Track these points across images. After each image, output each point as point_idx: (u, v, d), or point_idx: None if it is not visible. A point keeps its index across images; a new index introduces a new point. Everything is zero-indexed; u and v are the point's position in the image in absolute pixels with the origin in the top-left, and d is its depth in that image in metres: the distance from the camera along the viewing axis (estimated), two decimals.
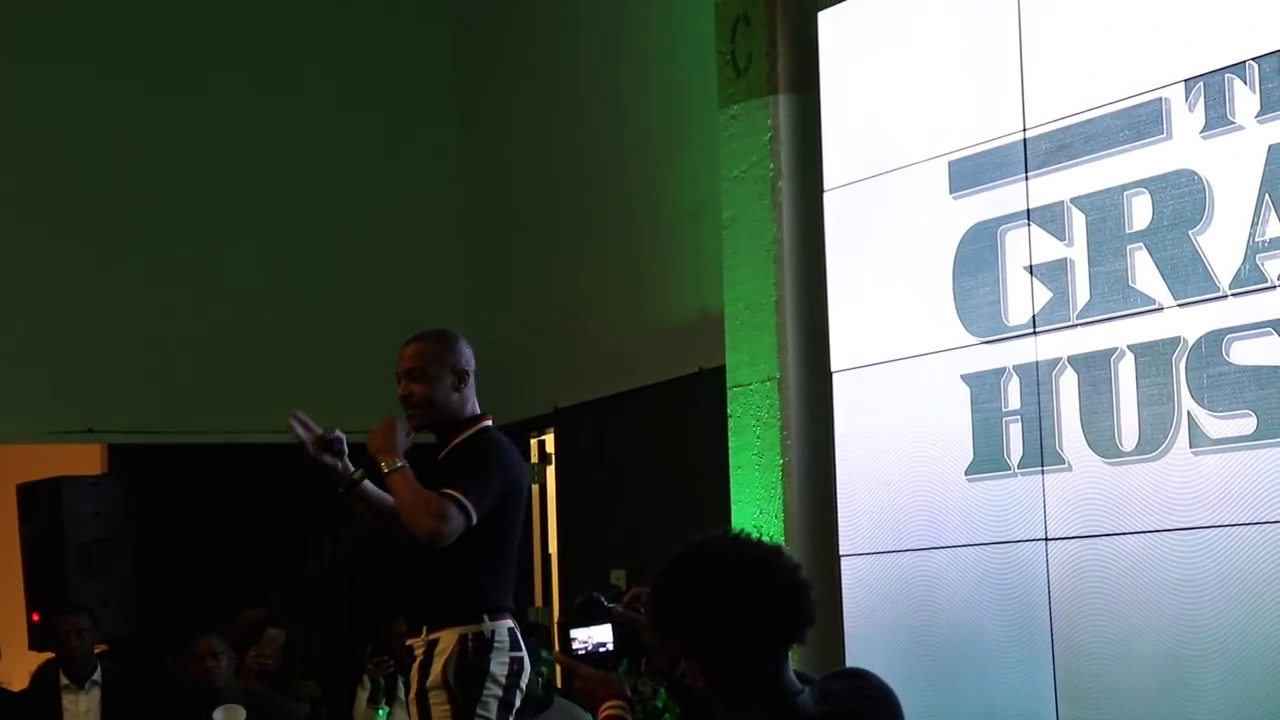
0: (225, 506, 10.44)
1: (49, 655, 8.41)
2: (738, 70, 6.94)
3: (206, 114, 10.55)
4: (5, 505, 9.81)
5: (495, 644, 5.05)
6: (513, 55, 10.62)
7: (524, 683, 5.13)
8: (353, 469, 5.23)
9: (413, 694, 5.12)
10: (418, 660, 5.11)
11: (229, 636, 8.13)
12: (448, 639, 5.05)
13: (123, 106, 10.36)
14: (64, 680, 8.06)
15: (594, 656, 3.44)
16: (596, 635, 3.43)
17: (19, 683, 8.63)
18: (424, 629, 5.11)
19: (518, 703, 5.11)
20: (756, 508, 6.70)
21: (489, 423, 5.27)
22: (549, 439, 9.81)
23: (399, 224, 10.88)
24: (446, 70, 11.06)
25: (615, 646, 3.41)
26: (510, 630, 5.11)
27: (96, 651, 8.31)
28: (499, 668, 5.05)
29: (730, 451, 6.86)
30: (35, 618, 9.31)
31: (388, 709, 7.76)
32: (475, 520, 4.99)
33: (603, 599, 3.51)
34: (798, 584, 3.07)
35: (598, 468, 9.32)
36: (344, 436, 5.25)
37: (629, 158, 9.30)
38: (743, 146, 6.93)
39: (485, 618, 5.06)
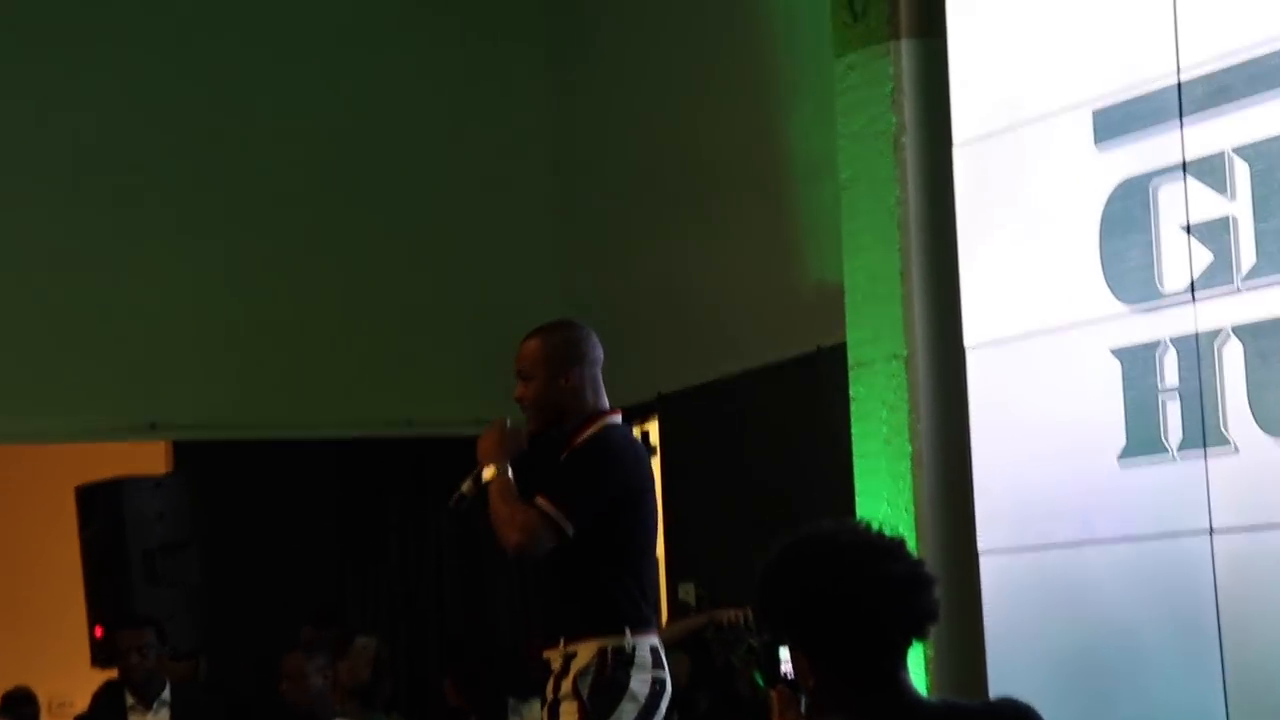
0: (301, 507, 10.48)
1: (113, 673, 8.45)
2: (854, 14, 6.86)
3: (279, 105, 10.59)
4: (63, 509, 9.89)
5: (636, 660, 5.16)
6: (609, 5, 10.57)
7: (664, 704, 5.22)
8: (461, 487, 5.32)
9: (545, 707, 5.24)
10: (554, 673, 5.22)
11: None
12: (586, 652, 5.17)
13: (196, 105, 10.42)
14: (130, 700, 8.09)
15: None
16: None
17: (81, 703, 8.68)
18: (561, 640, 5.22)
19: None
20: (884, 500, 6.63)
21: (612, 419, 5.37)
22: (653, 428, 9.78)
23: (485, 198, 10.86)
24: (538, 19, 11.02)
25: None
26: (654, 648, 5.22)
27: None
28: (640, 685, 5.16)
29: (853, 438, 6.80)
30: (98, 632, 9.36)
31: None
32: (570, 532, 5.10)
33: None
34: (920, 576, 3.09)
35: (707, 458, 9.28)
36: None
37: (735, 115, 9.23)
38: (861, 99, 6.85)
39: (627, 631, 5.17)
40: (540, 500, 5.11)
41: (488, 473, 5.19)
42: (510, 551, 5.12)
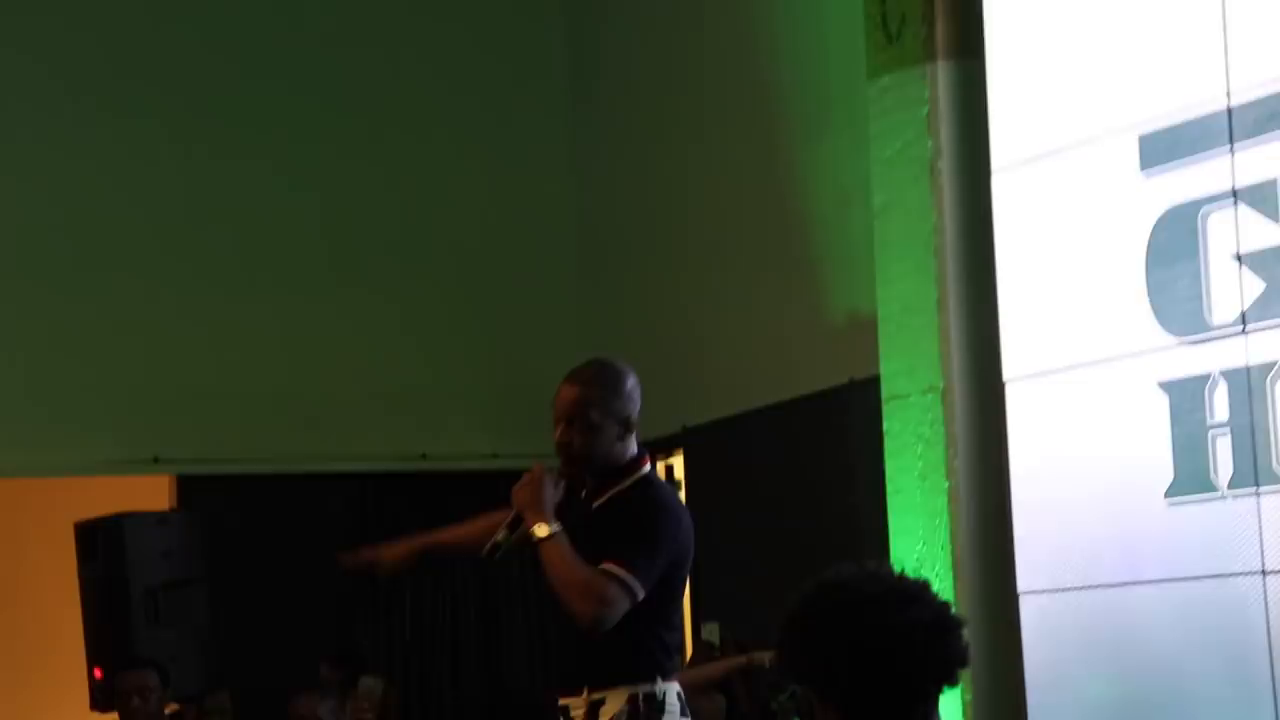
0: (311, 544, 10.44)
1: (112, 717, 8.45)
2: (889, 35, 6.86)
3: (283, 129, 10.62)
4: (62, 546, 9.87)
5: (667, 707, 5.23)
6: (632, 27, 10.59)
7: None
8: (496, 536, 5.31)
9: None
10: None
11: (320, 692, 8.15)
12: (615, 699, 5.21)
13: (198, 132, 10.45)
14: None
15: None
16: None
17: None
18: (585, 689, 5.26)
19: None
20: (919, 539, 6.62)
21: (648, 468, 5.38)
22: (677, 462, 9.77)
23: (503, 226, 10.87)
24: (559, 45, 11.04)
25: None
26: (679, 694, 5.29)
27: (168, 711, 8.32)
28: None
29: (887, 474, 6.78)
30: (97, 674, 9.35)
31: None
32: (641, 597, 5.13)
33: None
34: (947, 620, 3.11)
35: (733, 494, 9.26)
36: None
37: (764, 139, 9.24)
38: (896, 123, 6.84)
39: (658, 678, 5.24)
40: (611, 566, 5.09)
41: (540, 530, 5.13)
42: (582, 623, 5.08)
